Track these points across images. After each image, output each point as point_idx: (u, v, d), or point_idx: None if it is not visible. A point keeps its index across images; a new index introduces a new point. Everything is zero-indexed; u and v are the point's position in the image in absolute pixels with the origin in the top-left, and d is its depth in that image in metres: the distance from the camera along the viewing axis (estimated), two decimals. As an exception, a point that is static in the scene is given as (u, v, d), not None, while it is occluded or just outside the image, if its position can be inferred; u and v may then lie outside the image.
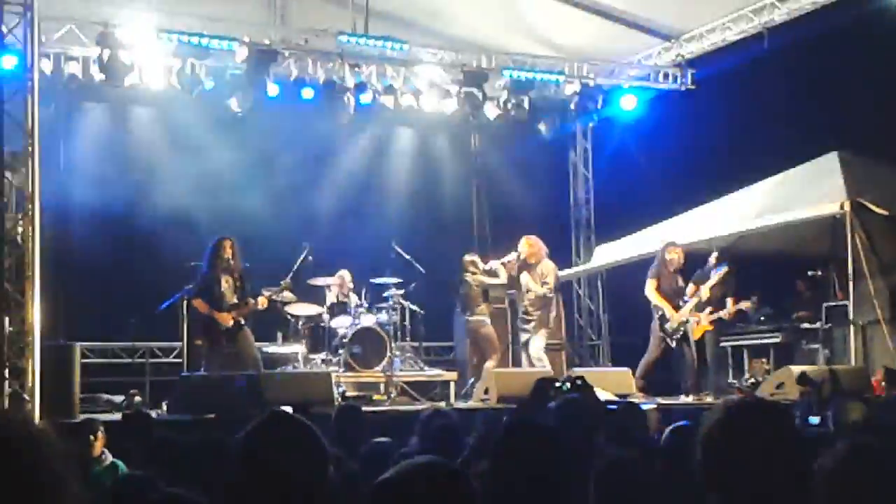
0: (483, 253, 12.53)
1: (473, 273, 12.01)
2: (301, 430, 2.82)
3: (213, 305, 10.52)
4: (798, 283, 13.53)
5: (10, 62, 10.00)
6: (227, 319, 10.51)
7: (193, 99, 13.08)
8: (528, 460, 2.94)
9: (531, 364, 11.74)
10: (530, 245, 12.05)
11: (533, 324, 11.96)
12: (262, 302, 10.82)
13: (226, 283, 10.61)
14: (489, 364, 11.82)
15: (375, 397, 11.96)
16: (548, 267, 12.08)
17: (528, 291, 11.97)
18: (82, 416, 8.80)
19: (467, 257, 12.12)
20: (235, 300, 10.61)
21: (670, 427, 5.07)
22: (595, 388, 8.24)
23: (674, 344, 11.76)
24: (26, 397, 8.95)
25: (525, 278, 11.95)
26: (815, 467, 2.67)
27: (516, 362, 12.94)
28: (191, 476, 4.10)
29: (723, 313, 11.93)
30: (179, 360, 11.46)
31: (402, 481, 2.16)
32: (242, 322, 10.63)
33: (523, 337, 12.06)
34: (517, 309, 12.30)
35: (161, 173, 13.22)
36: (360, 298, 12.65)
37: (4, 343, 9.15)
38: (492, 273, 12.10)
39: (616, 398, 9.95)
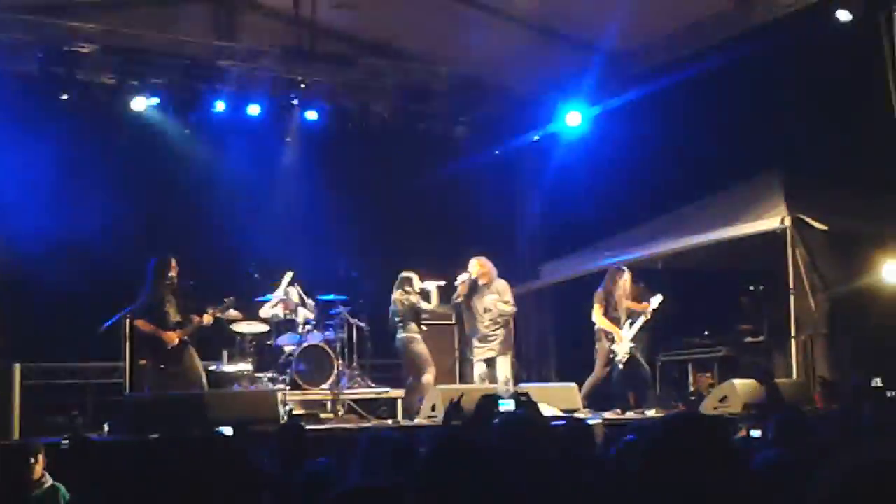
0: (429, 270, 12.49)
1: (407, 291, 11.94)
2: (231, 454, 2.81)
3: (157, 325, 10.43)
4: (740, 297, 13.69)
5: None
6: (172, 338, 10.45)
7: (139, 115, 13.02)
8: (459, 481, 2.93)
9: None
10: (481, 265, 12.00)
11: (494, 343, 11.90)
12: (206, 319, 10.76)
13: (169, 303, 10.53)
14: (426, 378, 11.78)
15: (322, 415, 11.92)
16: (503, 285, 12.04)
17: (486, 311, 11.88)
18: (22, 439, 8.67)
19: (404, 274, 12.04)
20: (179, 319, 10.52)
21: (622, 441, 5.10)
22: (540, 404, 8.26)
23: (621, 366, 11.83)
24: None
25: (490, 298, 11.89)
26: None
27: (464, 379, 12.94)
28: (133, 498, 4.04)
29: (644, 317, 11.98)
30: (122, 381, 11.31)
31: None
32: (187, 340, 10.55)
33: (481, 355, 11.92)
34: (472, 327, 12.14)
35: (103, 191, 13.06)
36: (305, 309, 12.63)
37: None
38: (424, 295, 12.03)
39: (562, 413, 9.99)
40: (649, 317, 11.94)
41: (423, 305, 11.93)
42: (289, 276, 12.75)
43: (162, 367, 10.46)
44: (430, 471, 2.94)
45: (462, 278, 11.94)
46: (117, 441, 9.03)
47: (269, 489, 4.15)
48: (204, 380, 10.70)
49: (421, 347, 11.86)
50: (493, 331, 11.84)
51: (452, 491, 2.82)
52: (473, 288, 11.91)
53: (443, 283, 12.15)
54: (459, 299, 11.93)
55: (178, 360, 10.49)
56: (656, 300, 11.98)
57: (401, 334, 11.85)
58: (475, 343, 11.96)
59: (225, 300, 11.18)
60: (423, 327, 12.02)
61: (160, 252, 10.82)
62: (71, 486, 6.69)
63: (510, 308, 11.89)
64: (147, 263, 10.67)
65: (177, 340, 10.46)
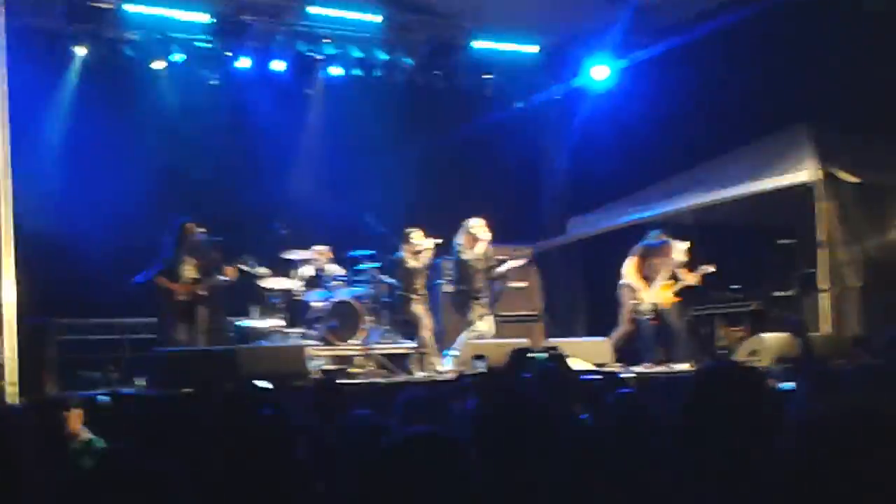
0: (454, 225, 12.41)
1: (405, 249, 11.93)
2: (266, 404, 2.85)
3: (172, 281, 10.80)
4: (769, 251, 13.62)
5: (-24, 37, 9.89)
6: (181, 290, 10.79)
7: (164, 72, 13.00)
8: (507, 427, 2.97)
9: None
10: (489, 228, 11.95)
11: (486, 301, 11.94)
12: (229, 272, 11.09)
13: (186, 261, 10.89)
14: (425, 335, 11.84)
15: (352, 370, 11.98)
16: (493, 249, 12.06)
17: (478, 273, 11.82)
18: (58, 393, 8.80)
19: (406, 230, 12.01)
20: (195, 276, 10.91)
21: (614, 395, 5.11)
22: (571, 358, 8.29)
23: (647, 322, 11.82)
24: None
25: (485, 260, 11.85)
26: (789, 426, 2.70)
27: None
28: (168, 450, 4.10)
29: (690, 281, 11.96)
30: (155, 336, 11.42)
31: (401, 451, 2.17)
32: (201, 296, 10.89)
33: (478, 312, 11.89)
34: (467, 287, 12.06)
35: (134, 148, 13.11)
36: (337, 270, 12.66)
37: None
38: (415, 254, 11.95)
39: (593, 368, 10.02)
40: (689, 281, 11.90)
41: (411, 264, 11.84)
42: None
43: (175, 321, 10.82)
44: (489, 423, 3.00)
45: (481, 238, 11.82)
46: (152, 395, 9.14)
47: (305, 440, 4.19)
48: (199, 340, 10.94)
49: (412, 308, 11.83)
50: (485, 291, 11.86)
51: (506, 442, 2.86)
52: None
53: (440, 240, 12.00)
54: (481, 264, 11.78)
55: (189, 316, 10.84)
56: (681, 248, 11.92)
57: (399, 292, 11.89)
58: (471, 304, 11.86)
59: (240, 259, 11.42)
60: (416, 287, 11.91)
61: (184, 210, 11.10)
62: (107, 439, 6.78)
63: (502, 270, 12.03)
64: (168, 223, 11.00)
65: (187, 296, 10.81)
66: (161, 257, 10.88)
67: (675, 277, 12.02)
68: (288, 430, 3.06)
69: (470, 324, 11.89)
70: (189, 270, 10.87)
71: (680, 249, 11.95)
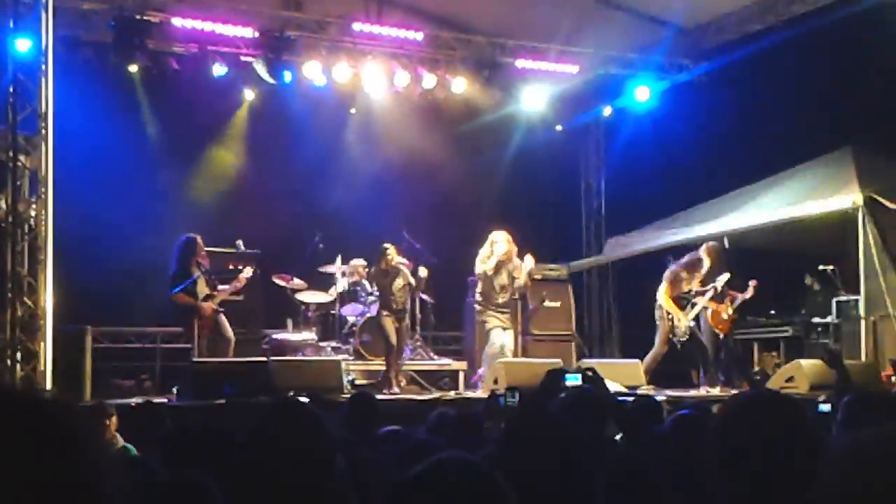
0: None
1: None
2: (308, 417, 2.84)
3: (191, 297, 10.90)
4: (808, 277, 13.49)
5: (24, 45, 10.04)
6: (208, 309, 10.89)
7: (207, 84, 13.11)
8: (535, 449, 2.94)
9: (502, 354, 11.52)
10: (511, 242, 11.81)
11: (507, 315, 11.78)
12: (241, 280, 11.21)
13: (198, 277, 10.99)
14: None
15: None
16: (518, 262, 11.90)
17: (502, 288, 11.68)
18: (92, 400, 8.86)
19: (384, 246, 11.74)
20: (208, 291, 11.02)
21: (673, 416, 5.04)
22: (605, 380, 8.24)
23: (679, 346, 11.75)
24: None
25: (507, 274, 11.72)
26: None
27: (526, 353, 12.92)
28: (201, 461, 4.11)
29: (746, 297, 11.97)
30: (189, 346, 11.51)
31: (433, 477, 2.15)
32: (219, 310, 11.04)
33: (494, 323, 11.69)
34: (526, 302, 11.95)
35: (173, 158, 13.24)
36: (370, 287, 12.65)
37: (17, 326, 9.24)
38: (394, 274, 11.68)
39: (626, 390, 9.96)
40: (718, 291, 11.83)
41: (366, 284, 11.67)
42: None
43: (199, 335, 10.88)
44: (504, 440, 2.98)
45: (495, 251, 11.68)
46: (185, 405, 9.20)
47: (343, 454, 4.18)
48: (232, 346, 11.05)
49: (382, 321, 11.61)
50: (508, 305, 11.76)
51: (524, 459, 2.83)
52: (504, 263, 11.70)
53: (406, 262, 11.81)
54: (500, 278, 11.67)
55: (213, 329, 10.95)
56: (722, 279, 11.85)
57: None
58: (490, 314, 11.71)
59: (242, 270, 11.47)
60: (394, 307, 11.59)
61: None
62: (140, 445, 6.81)
63: (523, 285, 11.89)
64: (178, 241, 11.10)
65: (211, 310, 10.90)
66: (172, 273, 10.97)
67: (724, 296, 11.98)
68: (329, 442, 3.05)
69: (486, 334, 11.73)
70: (202, 286, 10.99)
71: (720, 280, 11.89)
